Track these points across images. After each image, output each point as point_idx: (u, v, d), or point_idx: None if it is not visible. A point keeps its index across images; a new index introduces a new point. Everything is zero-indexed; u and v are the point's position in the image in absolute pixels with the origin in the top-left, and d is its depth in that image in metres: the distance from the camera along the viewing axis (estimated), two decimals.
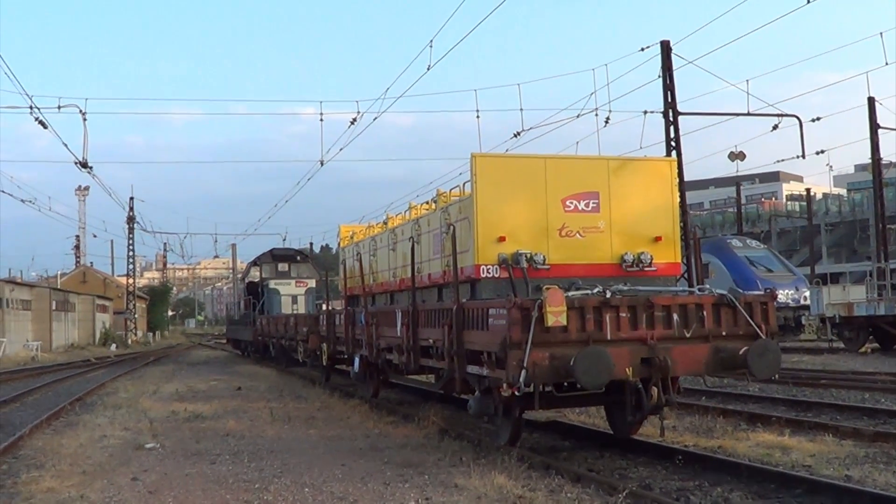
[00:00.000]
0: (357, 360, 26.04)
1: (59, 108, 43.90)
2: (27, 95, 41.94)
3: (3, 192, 72.35)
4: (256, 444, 19.05)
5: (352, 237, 31.67)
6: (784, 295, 49.47)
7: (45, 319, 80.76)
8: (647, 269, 18.71)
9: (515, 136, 41.69)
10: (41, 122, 41.68)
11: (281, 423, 22.40)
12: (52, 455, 18.08)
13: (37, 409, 28.02)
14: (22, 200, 67.37)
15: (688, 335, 15.60)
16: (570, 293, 15.38)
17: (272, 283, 58.22)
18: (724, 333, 15.85)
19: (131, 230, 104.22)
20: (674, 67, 43.19)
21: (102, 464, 16.97)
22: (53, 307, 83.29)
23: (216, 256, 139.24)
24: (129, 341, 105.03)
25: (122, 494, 14.17)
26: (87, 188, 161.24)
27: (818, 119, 46.79)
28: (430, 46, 31.92)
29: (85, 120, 43.82)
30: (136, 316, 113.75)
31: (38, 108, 41.41)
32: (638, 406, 15.91)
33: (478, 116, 43.21)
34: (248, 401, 28.52)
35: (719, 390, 25.78)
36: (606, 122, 41.61)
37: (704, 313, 15.83)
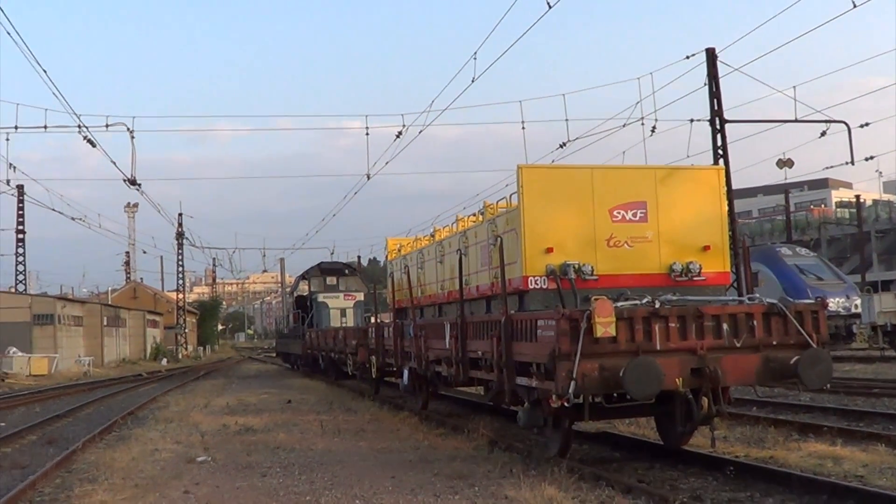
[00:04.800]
0: (406, 372, 26.05)
1: (106, 126, 44.18)
2: (75, 115, 42.15)
3: (53, 210, 72.86)
4: (307, 457, 19.07)
5: (399, 250, 31.71)
6: (835, 303, 49.05)
7: (97, 335, 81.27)
8: (696, 278, 18.64)
9: (561, 146, 41.56)
10: (90, 141, 41.93)
11: (331, 436, 22.42)
12: (105, 469, 18.16)
13: (89, 424, 28.18)
14: (72, 218, 67.83)
15: (738, 345, 15.49)
16: (619, 304, 15.32)
17: (321, 297, 58.26)
18: (774, 343, 15.73)
19: (180, 246, 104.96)
20: (720, 75, 42.95)
21: (155, 477, 17.04)
22: (105, 323, 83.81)
23: (265, 271, 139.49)
24: (180, 356, 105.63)
25: None
26: (135, 205, 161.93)
27: (867, 125, 46.15)
28: (475, 59, 31.90)
29: (133, 137, 44.08)
30: (186, 330, 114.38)
31: (87, 128, 41.70)
32: (688, 416, 15.83)
33: (523, 128, 42.92)
34: (298, 414, 28.57)
35: (770, 400, 25.57)
36: (653, 132, 41.45)
37: (755, 322, 15.72)
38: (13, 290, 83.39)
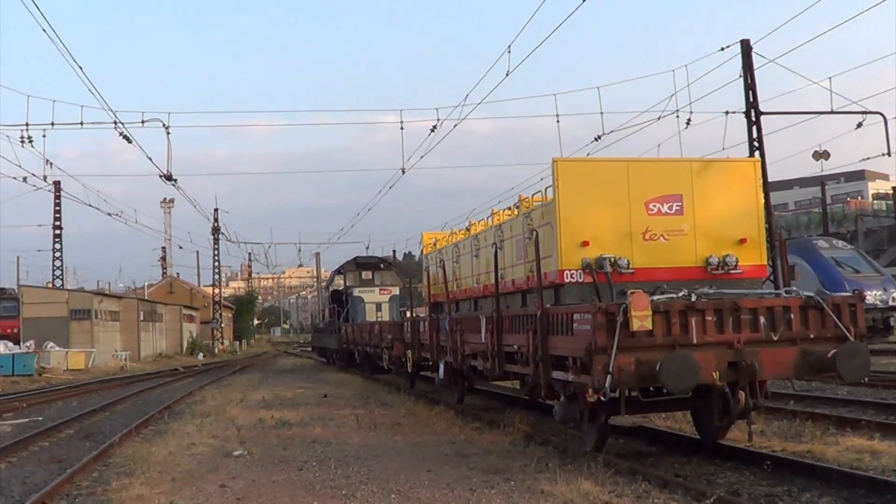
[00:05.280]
0: (442, 366, 26.05)
1: (142, 122, 44.34)
2: (111, 111, 42.33)
3: (90, 206, 73.11)
4: (343, 451, 19.09)
5: (435, 244, 31.75)
6: (872, 296, 48.69)
7: (134, 330, 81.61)
8: (732, 271, 18.57)
9: (596, 139, 41.48)
10: (126, 137, 42.09)
11: (367, 430, 22.44)
12: (142, 462, 18.22)
13: (126, 418, 28.30)
14: (109, 214, 68.09)
15: (775, 338, 15.41)
16: (655, 297, 15.29)
17: (356, 291, 58.26)
18: (811, 336, 15.64)
19: (216, 241, 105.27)
20: (755, 66, 42.81)
21: (191, 471, 17.08)
22: (141, 318, 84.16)
23: (300, 265, 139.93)
24: (216, 350, 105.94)
25: (211, 501, 14.27)
26: (171, 200, 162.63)
27: None
28: (509, 52, 31.84)
29: (168, 133, 44.23)
30: (222, 325, 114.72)
31: (123, 123, 41.85)
32: (725, 411, 15.74)
33: (558, 121, 42.80)
34: (334, 408, 28.61)
35: (807, 394, 25.47)
36: (688, 124, 41.33)
37: (792, 316, 15.64)
38: (50, 285, 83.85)
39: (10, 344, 59.34)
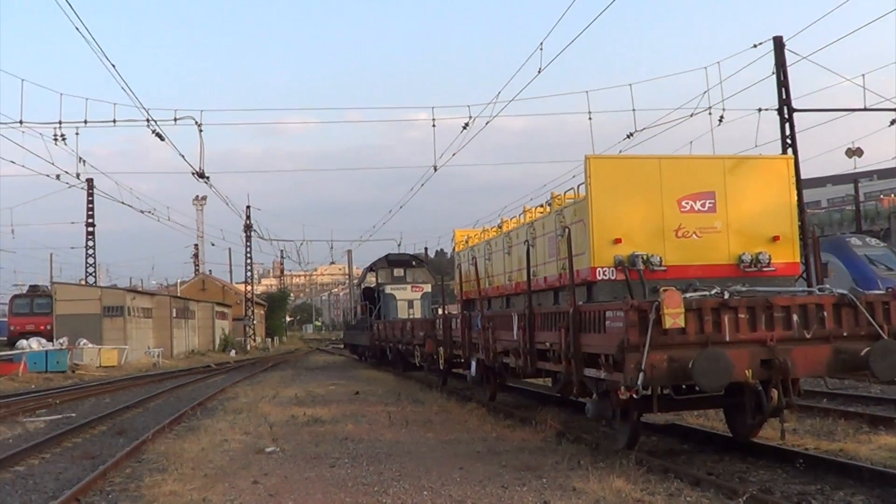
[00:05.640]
0: (474, 363, 26.05)
1: (175, 120, 44.52)
2: (144, 109, 42.43)
3: (123, 203, 73.46)
4: (375, 448, 19.13)
5: (467, 241, 31.76)
6: None
7: (166, 326, 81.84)
8: (765, 269, 18.53)
9: (628, 136, 41.39)
10: (158, 135, 42.19)
11: (399, 427, 22.47)
12: (175, 459, 18.28)
13: (159, 414, 28.42)
14: (141, 211, 68.36)
15: (808, 336, 15.36)
16: (688, 294, 15.25)
17: (388, 289, 58.30)
18: (844, 334, 15.58)
19: (248, 238, 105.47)
20: (787, 63, 42.61)
21: (224, 467, 17.14)
22: (174, 314, 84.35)
23: (332, 263, 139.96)
24: (248, 347, 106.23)
25: (244, 497, 14.30)
26: (204, 198, 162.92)
27: None
28: (541, 49, 31.77)
29: (201, 131, 44.36)
30: (254, 322, 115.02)
31: (155, 121, 41.95)
32: (758, 408, 15.69)
33: (590, 118, 42.64)
34: (366, 405, 28.67)
35: (840, 392, 25.37)
36: (720, 121, 41.19)
37: (825, 314, 15.58)
38: (83, 282, 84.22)
39: (44, 340, 59.61)
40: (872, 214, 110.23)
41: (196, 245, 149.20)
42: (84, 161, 47.00)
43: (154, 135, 42.29)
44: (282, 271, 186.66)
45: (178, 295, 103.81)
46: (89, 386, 43.47)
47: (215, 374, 54.99)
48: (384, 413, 25.49)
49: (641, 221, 18.26)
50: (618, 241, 18.06)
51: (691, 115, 41.73)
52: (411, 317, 52.26)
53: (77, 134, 45.77)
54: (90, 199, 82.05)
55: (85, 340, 62.28)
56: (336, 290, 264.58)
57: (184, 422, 25.78)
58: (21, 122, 42.50)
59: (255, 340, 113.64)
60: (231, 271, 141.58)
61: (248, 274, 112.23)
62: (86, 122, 44.11)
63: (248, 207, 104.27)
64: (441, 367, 32.83)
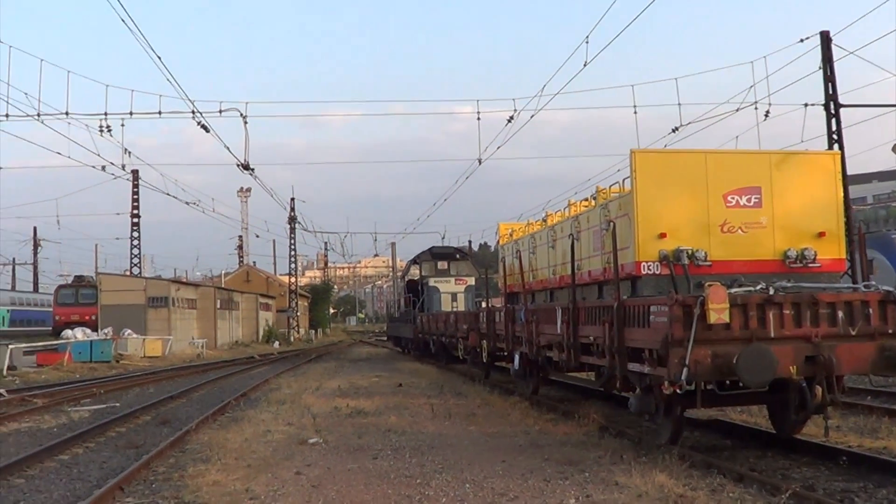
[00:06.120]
0: (517, 357, 26.05)
1: (220, 112, 44.55)
2: (189, 101, 42.65)
3: (168, 194, 73.85)
4: (417, 440, 19.15)
5: (511, 235, 31.73)
6: None
7: (210, 318, 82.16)
8: (810, 265, 18.44)
9: (674, 131, 41.21)
10: (203, 127, 42.29)
11: (441, 420, 22.49)
12: (218, 449, 18.37)
13: (202, 405, 28.58)
14: (186, 203, 68.52)
15: (853, 333, 15.30)
16: (733, 290, 15.21)
17: (432, 281, 58.31)
18: (890, 331, 15.50)
19: (293, 230, 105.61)
20: (834, 58, 42.38)
21: (267, 458, 17.20)
22: (218, 306, 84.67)
23: (376, 255, 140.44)
24: (292, 338, 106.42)
25: (287, 488, 14.35)
26: (248, 189, 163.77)
27: None
28: (587, 42, 31.65)
29: (246, 123, 44.35)
30: (298, 314, 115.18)
31: (200, 113, 42.06)
32: (801, 405, 15.65)
33: (635, 112, 42.45)
34: (408, 397, 28.70)
35: (885, 389, 25.18)
36: (766, 116, 40.97)
37: (870, 311, 15.51)
38: (128, 273, 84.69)
39: (89, 331, 60.02)
40: None
41: (240, 236, 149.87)
42: (129, 152, 47.21)
43: (199, 126, 42.43)
44: (325, 263, 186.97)
45: (223, 286, 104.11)
46: (133, 376, 43.70)
47: (259, 366, 55.13)
48: (427, 405, 25.53)
49: (687, 216, 18.21)
50: (663, 235, 18.02)
51: (737, 110, 41.58)
52: (455, 310, 52.25)
53: (122, 125, 45.99)
54: (135, 190, 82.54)
55: (129, 331, 62.63)
56: (379, 282, 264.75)
57: (227, 412, 25.90)
58: (67, 113, 42.72)
59: (298, 332, 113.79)
60: (275, 263, 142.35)
61: (292, 265, 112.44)
62: (131, 113, 44.27)
63: (292, 199, 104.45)
64: (484, 360, 32.86)
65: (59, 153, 51.44)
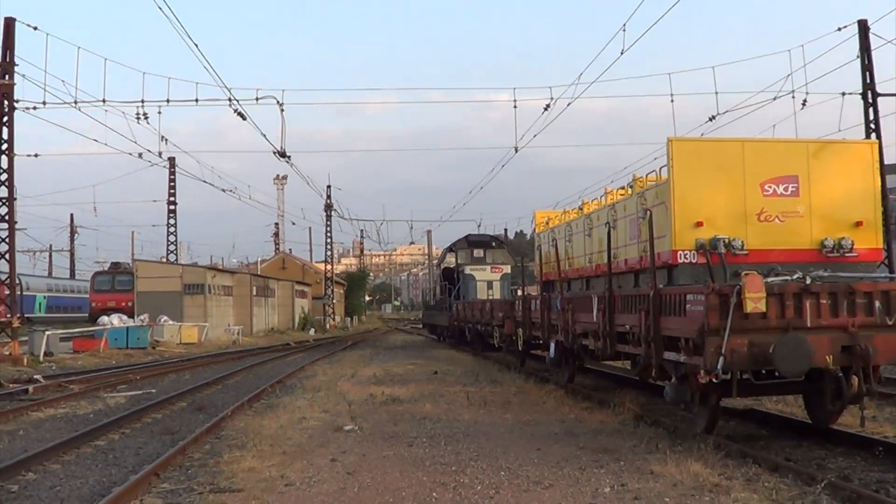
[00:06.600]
0: (553, 345, 26.06)
1: (256, 99, 44.64)
2: (226, 88, 42.74)
3: (204, 181, 74.14)
4: (453, 428, 19.19)
5: (547, 223, 31.72)
6: None
7: (246, 304, 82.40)
8: (847, 254, 18.37)
9: (710, 119, 41.07)
10: (240, 114, 42.42)
11: (477, 408, 22.51)
12: (253, 436, 18.42)
13: (238, 392, 28.67)
14: (223, 190, 68.88)
15: (890, 323, 15.22)
16: (770, 279, 15.17)
17: (468, 269, 58.33)
18: None
19: (329, 217, 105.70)
20: (872, 47, 42.11)
21: (302, 445, 17.25)
22: (254, 293, 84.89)
23: (412, 243, 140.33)
24: (328, 326, 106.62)
25: (322, 475, 14.39)
26: (285, 177, 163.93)
27: None
28: (624, 31, 31.59)
29: (282, 110, 44.47)
30: (333, 301, 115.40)
31: (237, 100, 42.19)
32: (837, 395, 15.57)
33: (672, 100, 42.31)
34: (444, 385, 28.74)
35: None
36: (804, 105, 40.78)
37: None
38: (165, 259, 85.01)
39: (125, 317, 60.29)
40: None
41: (276, 224, 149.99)
42: (166, 139, 47.31)
43: (236, 114, 42.58)
44: (361, 251, 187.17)
45: (259, 273, 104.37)
46: (169, 362, 43.87)
47: (294, 353, 55.24)
48: (462, 393, 25.56)
49: (723, 205, 18.17)
50: (699, 224, 17.99)
51: (774, 99, 41.43)
52: (490, 297, 52.24)
53: (159, 113, 46.14)
54: (172, 177, 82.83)
55: (165, 317, 62.87)
56: (415, 270, 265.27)
57: (263, 399, 25.98)
58: (104, 100, 42.90)
59: (334, 319, 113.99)
60: (311, 250, 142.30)
61: (328, 253, 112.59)
62: (168, 100, 44.40)
63: (328, 187, 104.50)
64: (519, 349, 32.86)
65: (95, 140, 51.47)
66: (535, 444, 16.78)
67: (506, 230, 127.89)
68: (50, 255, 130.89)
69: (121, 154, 49.11)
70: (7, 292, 43.07)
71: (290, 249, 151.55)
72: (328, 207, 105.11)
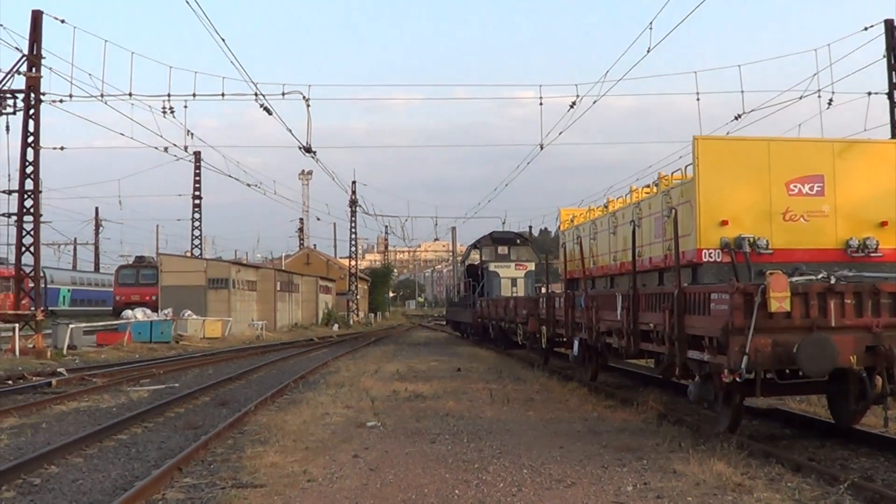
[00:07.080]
0: (576, 343, 26.02)
1: (283, 94, 44.76)
2: (252, 83, 43.02)
3: (230, 176, 74.54)
4: (476, 425, 19.18)
5: (572, 220, 31.74)
6: None
7: (270, 300, 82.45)
8: (872, 254, 18.35)
9: (736, 118, 40.98)
10: (266, 109, 42.60)
11: (500, 405, 22.51)
12: (276, 431, 18.46)
13: (261, 387, 28.71)
14: (248, 185, 68.91)
15: None
16: (794, 279, 15.14)
17: (492, 266, 58.29)
18: None
19: (353, 213, 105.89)
20: None
21: (325, 441, 17.27)
22: (278, 288, 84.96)
23: (436, 239, 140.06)
24: (351, 321, 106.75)
25: (344, 471, 14.40)
26: (310, 172, 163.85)
27: None
28: (650, 28, 31.61)
29: (308, 106, 44.61)
30: (357, 297, 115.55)
31: (263, 96, 42.36)
32: (861, 395, 15.54)
33: (698, 99, 42.23)
34: (467, 382, 28.73)
35: None
36: (829, 104, 40.66)
37: None
38: (189, 254, 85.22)
39: (149, 311, 60.37)
40: None
41: (301, 219, 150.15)
42: (192, 134, 47.69)
43: (262, 109, 42.79)
44: (386, 247, 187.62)
45: (283, 268, 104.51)
46: (193, 357, 43.94)
47: (318, 348, 55.34)
48: (485, 390, 25.56)
49: (749, 204, 18.16)
50: (724, 223, 17.98)
51: (800, 98, 41.29)
52: (514, 295, 52.21)
53: (185, 107, 46.44)
54: (197, 171, 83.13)
55: (189, 312, 62.96)
56: (439, 266, 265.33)
57: (286, 394, 26.03)
58: (130, 94, 43.06)
59: (357, 315, 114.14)
60: (335, 246, 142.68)
61: (353, 249, 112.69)
62: (194, 95, 44.53)
63: (353, 183, 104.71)
64: (543, 346, 32.84)
65: (121, 134, 52.07)
66: (557, 442, 16.78)
67: (530, 227, 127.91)
68: (74, 249, 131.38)
69: (146, 148, 49.67)
70: (31, 285, 43.25)
71: (315, 245, 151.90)
72: (353, 203, 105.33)
